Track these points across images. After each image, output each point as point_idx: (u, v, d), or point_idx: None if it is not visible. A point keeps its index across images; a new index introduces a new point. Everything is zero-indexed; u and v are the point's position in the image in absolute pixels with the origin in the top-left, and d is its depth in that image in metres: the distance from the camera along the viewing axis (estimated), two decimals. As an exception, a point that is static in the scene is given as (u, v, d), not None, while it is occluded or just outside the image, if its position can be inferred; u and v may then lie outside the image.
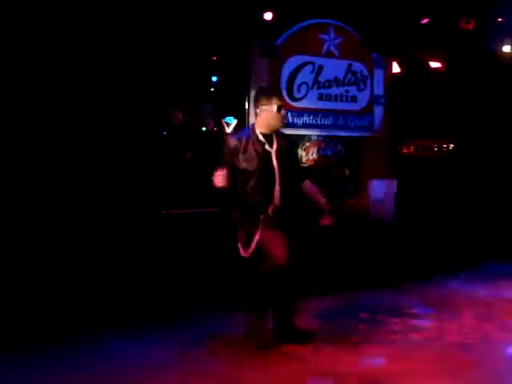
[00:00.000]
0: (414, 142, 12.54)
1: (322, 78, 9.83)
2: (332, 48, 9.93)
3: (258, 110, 5.21)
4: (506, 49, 11.16)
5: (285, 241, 4.93)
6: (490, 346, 5.17)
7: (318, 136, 9.81)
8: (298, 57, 9.67)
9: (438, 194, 11.15)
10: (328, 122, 9.83)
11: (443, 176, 11.78)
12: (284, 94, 9.50)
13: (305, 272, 7.06)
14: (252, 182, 4.97)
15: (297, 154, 6.11)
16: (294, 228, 5.15)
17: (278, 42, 9.56)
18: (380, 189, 9.23)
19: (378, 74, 10.54)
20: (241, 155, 4.99)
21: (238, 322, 5.35)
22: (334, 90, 9.92)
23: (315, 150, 9.79)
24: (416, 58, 11.71)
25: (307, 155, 9.73)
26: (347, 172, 9.94)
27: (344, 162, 9.99)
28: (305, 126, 9.66)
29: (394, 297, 6.84)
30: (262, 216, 4.93)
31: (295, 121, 9.58)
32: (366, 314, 6.10)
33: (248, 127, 5.93)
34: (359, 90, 10.22)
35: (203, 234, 7.27)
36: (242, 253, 4.98)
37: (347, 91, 10.07)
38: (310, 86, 9.72)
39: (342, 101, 10.00)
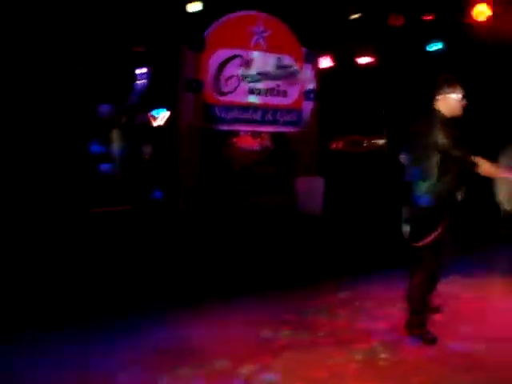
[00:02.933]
0: (344, 138, 12.56)
1: (251, 72, 9.66)
2: (261, 41, 9.78)
3: (440, 97, 4.96)
4: (436, 46, 11.29)
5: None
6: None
7: (247, 131, 9.65)
8: (226, 49, 9.48)
9: (368, 189, 11.19)
10: (257, 116, 9.68)
11: (372, 171, 11.84)
12: (211, 87, 9.30)
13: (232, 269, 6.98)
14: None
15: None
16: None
17: (206, 33, 9.33)
18: (308, 185, 9.16)
19: (308, 68, 10.44)
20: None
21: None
22: (264, 84, 9.77)
23: (244, 145, 9.64)
24: (346, 53, 11.70)
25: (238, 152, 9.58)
26: (275, 168, 9.83)
27: (272, 158, 9.86)
28: (233, 120, 9.48)
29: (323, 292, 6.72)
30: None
31: (223, 115, 9.39)
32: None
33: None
34: (289, 84, 10.10)
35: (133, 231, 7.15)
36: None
37: (277, 85, 9.94)
38: (238, 79, 9.55)
39: (271, 95, 9.86)
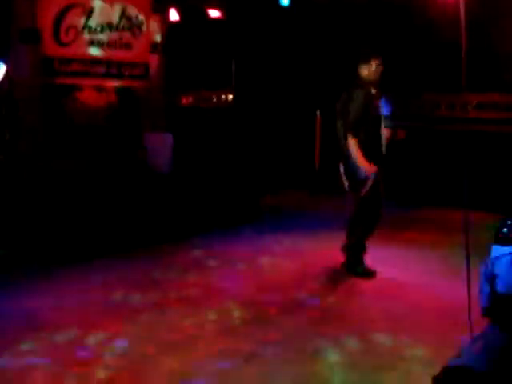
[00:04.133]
0: (193, 93, 12.37)
1: (92, 22, 9.09)
2: (104, -11, 9.22)
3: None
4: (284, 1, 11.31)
5: None
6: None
7: (90, 86, 9.14)
8: (66, -4, 8.82)
9: (217, 144, 11.17)
10: (100, 70, 9.17)
11: (222, 127, 11.82)
12: (51, 38, 8.65)
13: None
14: None
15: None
16: None
17: (42, -23, 8.61)
18: (155, 141, 8.92)
19: (156, 20, 10.05)
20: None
21: None
22: (106, 36, 9.25)
23: (88, 100, 9.14)
24: (195, 5, 11.41)
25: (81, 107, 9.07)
26: (122, 124, 9.43)
27: (119, 113, 9.45)
28: (74, 74, 8.91)
29: (174, 253, 6.61)
30: None
31: (63, 69, 8.80)
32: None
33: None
34: (134, 36, 9.66)
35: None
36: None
37: (121, 37, 9.46)
38: (79, 30, 8.95)
39: (114, 48, 9.37)
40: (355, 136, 5.36)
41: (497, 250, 3.02)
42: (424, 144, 9.28)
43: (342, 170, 5.63)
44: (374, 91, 5.53)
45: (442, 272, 5.74)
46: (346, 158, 5.51)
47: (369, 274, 5.61)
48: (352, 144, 5.37)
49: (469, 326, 3.35)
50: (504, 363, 2.57)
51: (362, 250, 5.67)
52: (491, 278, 2.92)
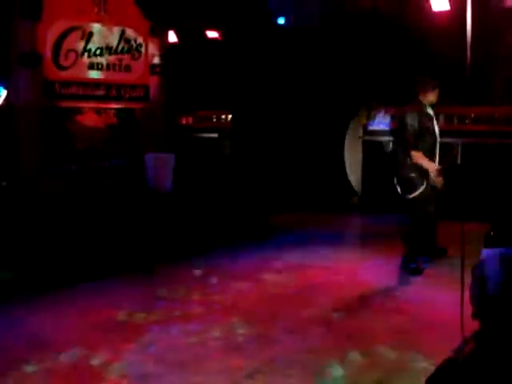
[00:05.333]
0: (193, 113, 12.45)
1: (92, 46, 9.19)
2: (102, 13, 9.32)
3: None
4: (281, 21, 11.45)
5: None
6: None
7: (90, 108, 9.20)
8: (65, 20, 8.92)
9: (217, 163, 11.21)
10: (100, 92, 9.25)
11: (223, 145, 11.88)
12: (51, 61, 8.74)
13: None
14: None
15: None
16: None
17: (43, 2, 8.71)
18: (157, 162, 8.96)
19: (154, 42, 10.15)
20: None
21: None
22: (105, 59, 9.34)
23: (88, 122, 9.20)
24: (193, 27, 11.53)
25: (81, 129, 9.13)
26: (121, 146, 9.49)
27: (119, 135, 9.50)
28: (74, 97, 8.98)
29: (178, 272, 6.62)
30: None
31: (63, 92, 8.87)
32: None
33: None
34: (133, 58, 9.76)
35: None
36: None
37: (120, 60, 9.55)
38: (78, 53, 9.04)
39: (114, 70, 9.46)
40: (416, 149, 6.08)
41: (486, 253, 3.04)
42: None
43: (395, 180, 6.36)
44: (430, 112, 6.27)
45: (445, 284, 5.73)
46: (399, 167, 6.29)
47: (417, 272, 6.12)
48: (416, 156, 6.09)
49: (461, 328, 3.32)
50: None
51: (418, 249, 6.21)
52: (481, 280, 2.93)
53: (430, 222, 6.34)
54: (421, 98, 6.27)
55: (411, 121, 6.11)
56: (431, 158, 6.19)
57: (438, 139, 6.33)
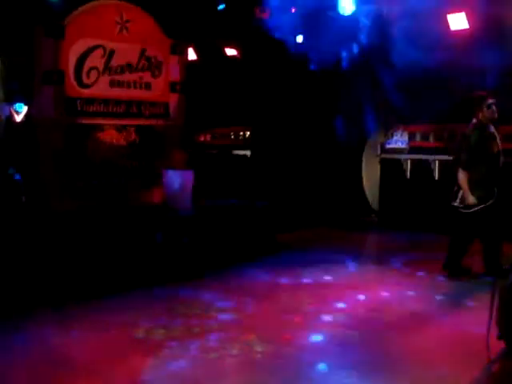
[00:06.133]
0: (211, 130, 12.55)
1: (113, 63, 9.33)
2: (124, 31, 9.46)
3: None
4: (298, 39, 11.53)
5: None
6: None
7: (111, 125, 9.30)
8: (87, 39, 9.06)
9: (236, 180, 11.28)
10: (120, 110, 9.37)
11: (240, 163, 11.95)
12: (73, 79, 8.88)
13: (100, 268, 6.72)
14: None
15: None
16: None
17: (66, 22, 8.87)
18: (176, 179, 9.02)
19: (174, 60, 10.26)
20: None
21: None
22: (127, 76, 9.47)
23: (108, 139, 9.30)
24: (212, 44, 11.67)
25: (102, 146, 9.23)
26: (142, 162, 9.56)
27: (139, 152, 9.59)
28: (95, 114, 9.10)
29: (194, 290, 6.66)
30: None
31: (85, 108, 9.00)
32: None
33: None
34: (154, 76, 9.88)
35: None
36: None
37: (141, 78, 9.68)
38: (100, 71, 9.18)
39: (135, 88, 9.59)
40: (465, 169, 6.24)
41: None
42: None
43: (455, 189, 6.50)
44: (493, 129, 6.18)
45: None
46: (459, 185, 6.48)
47: (460, 273, 6.61)
48: (461, 177, 6.27)
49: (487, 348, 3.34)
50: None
51: (459, 255, 6.63)
52: (508, 302, 2.93)
53: (468, 240, 6.50)
54: (480, 116, 6.18)
55: (471, 140, 6.11)
56: (489, 183, 6.18)
57: (502, 159, 6.22)
